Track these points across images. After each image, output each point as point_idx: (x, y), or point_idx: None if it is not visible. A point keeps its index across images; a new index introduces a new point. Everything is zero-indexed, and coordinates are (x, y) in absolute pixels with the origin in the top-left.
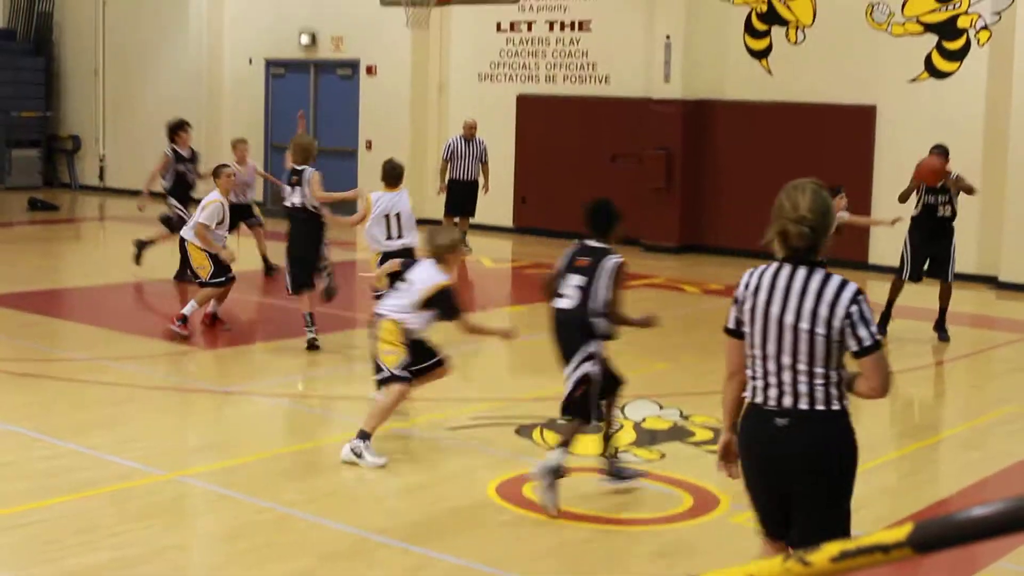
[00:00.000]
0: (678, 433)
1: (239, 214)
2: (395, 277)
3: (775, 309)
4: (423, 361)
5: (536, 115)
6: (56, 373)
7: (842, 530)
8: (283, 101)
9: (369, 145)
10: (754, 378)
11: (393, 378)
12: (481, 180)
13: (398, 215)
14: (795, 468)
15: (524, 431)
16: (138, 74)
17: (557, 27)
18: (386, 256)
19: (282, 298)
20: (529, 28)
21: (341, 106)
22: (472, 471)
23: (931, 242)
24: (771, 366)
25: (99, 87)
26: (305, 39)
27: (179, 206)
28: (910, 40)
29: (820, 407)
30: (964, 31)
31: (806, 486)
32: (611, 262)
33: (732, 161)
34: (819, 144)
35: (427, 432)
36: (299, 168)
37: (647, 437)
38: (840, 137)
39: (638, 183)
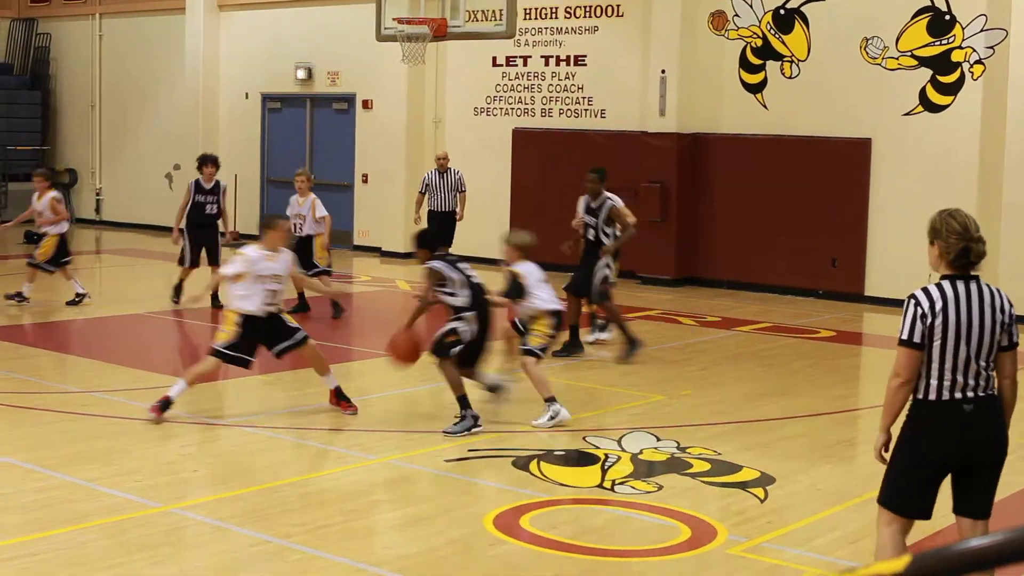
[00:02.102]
0: (675, 465)
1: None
2: None
3: (974, 319)
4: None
5: (532, 149)
6: (51, 405)
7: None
8: (279, 135)
9: (365, 179)
10: (941, 379)
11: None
12: (458, 210)
13: None
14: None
15: (521, 463)
16: (134, 108)
17: (553, 61)
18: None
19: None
20: (525, 63)
21: (337, 140)
22: (469, 503)
23: None
24: (966, 367)
25: (96, 121)
26: (301, 73)
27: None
28: (904, 74)
29: (993, 392)
30: (958, 65)
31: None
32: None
33: (727, 194)
34: (814, 177)
35: (423, 464)
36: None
37: (644, 469)
38: (835, 170)
39: (634, 216)
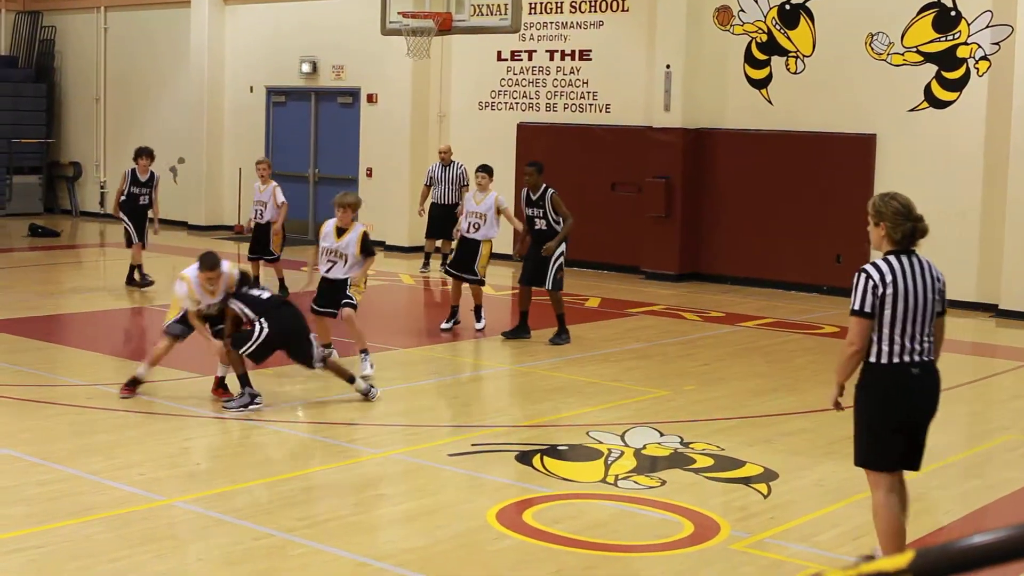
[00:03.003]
0: (679, 460)
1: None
2: None
3: (919, 290)
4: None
5: (536, 143)
6: (56, 398)
7: None
8: (284, 129)
9: (369, 173)
10: (892, 344)
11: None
12: (461, 203)
13: None
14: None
15: (524, 458)
16: (139, 101)
17: (558, 56)
18: None
19: None
20: (530, 57)
21: (342, 134)
22: (472, 498)
23: None
24: (912, 333)
25: (100, 114)
26: (306, 67)
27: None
28: (910, 70)
29: (931, 358)
30: (964, 61)
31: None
32: None
33: (732, 189)
34: (819, 173)
35: (427, 459)
36: None
37: (647, 464)
38: (840, 166)
39: (638, 211)
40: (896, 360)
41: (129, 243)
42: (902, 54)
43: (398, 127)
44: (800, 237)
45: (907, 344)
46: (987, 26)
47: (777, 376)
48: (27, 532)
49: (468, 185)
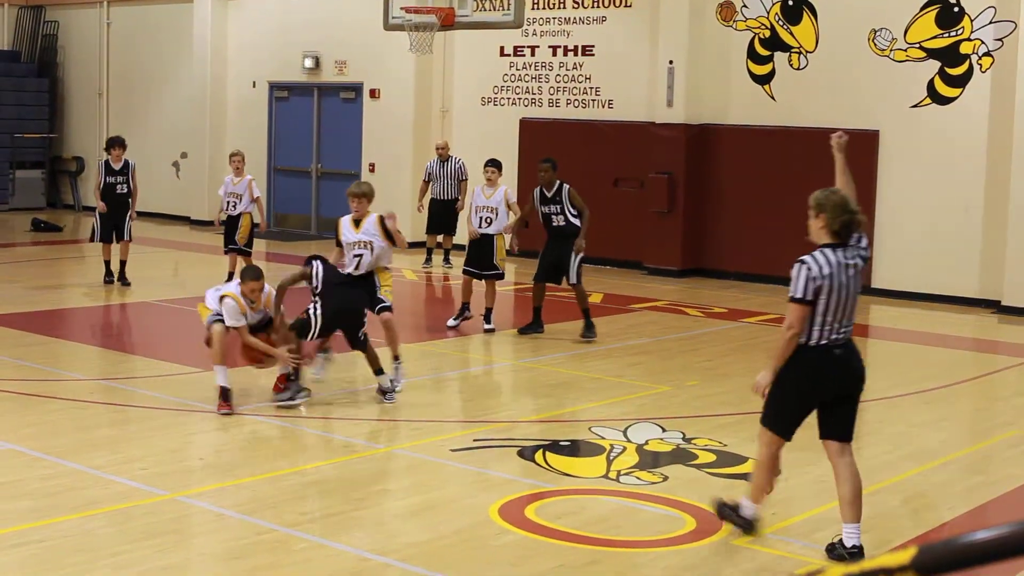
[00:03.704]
0: (681, 456)
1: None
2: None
3: (849, 280)
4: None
5: (539, 139)
6: (57, 393)
7: None
8: (287, 124)
9: (372, 168)
10: (822, 328)
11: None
12: (460, 198)
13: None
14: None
15: (526, 453)
16: (142, 96)
17: (560, 52)
18: None
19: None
20: (533, 53)
21: (344, 129)
22: (474, 493)
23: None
24: (839, 319)
25: (103, 109)
26: (309, 62)
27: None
28: (913, 66)
29: (851, 337)
30: (967, 57)
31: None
32: None
33: (735, 185)
34: (821, 169)
35: (429, 454)
36: None
37: (650, 460)
38: None
39: (641, 207)
40: (824, 342)
41: (93, 238)
42: (905, 50)
43: (401, 122)
44: (803, 233)
45: (833, 328)
46: (990, 22)
47: None
48: (29, 527)
49: (466, 180)
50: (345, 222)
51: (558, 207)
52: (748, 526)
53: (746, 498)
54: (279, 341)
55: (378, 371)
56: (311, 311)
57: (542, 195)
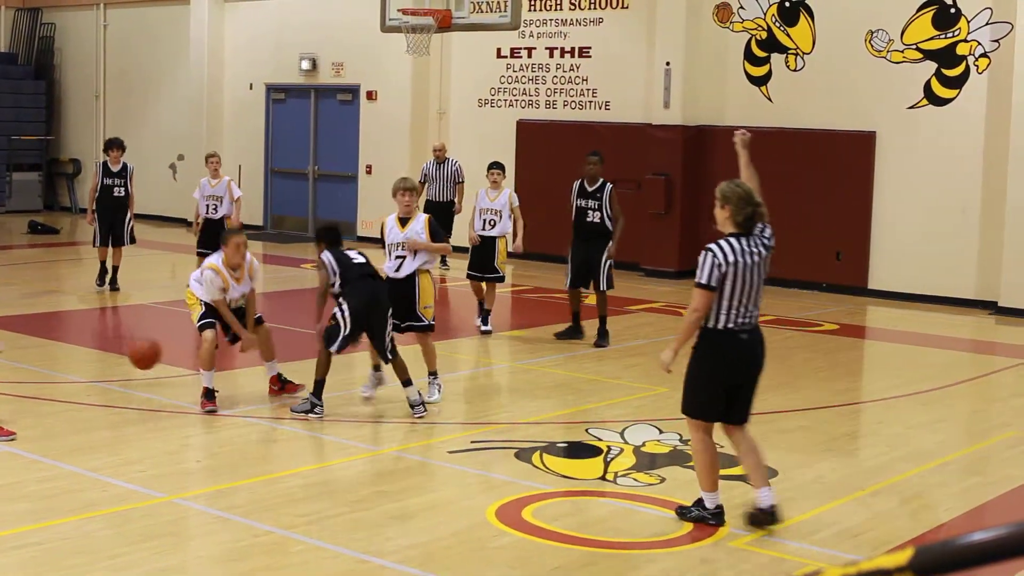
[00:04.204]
0: (678, 457)
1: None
2: None
3: (753, 268)
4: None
5: (536, 140)
6: (55, 395)
7: None
8: (283, 126)
9: (369, 170)
10: (729, 313)
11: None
12: (457, 201)
13: None
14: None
15: (523, 455)
16: (139, 98)
17: (557, 53)
18: None
19: (286, 321)
20: (529, 54)
21: (341, 131)
22: (472, 495)
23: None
24: (744, 304)
25: (100, 111)
26: (306, 64)
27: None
28: (909, 67)
29: (757, 324)
30: (963, 58)
31: (756, 376)
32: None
33: None
34: (819, 170)
35: (426, 456)
36: None
37: (647, 461)
38: (840, 163)
39: (638, 208)
40: (730, 326)
41: (95, 242)
42: (902, 51)
43: (398, 124)
44: (799, 234)
45: (739, 313)
46: (987, 23)
47: (776, 373)
48: (27, 529)
49: (463, 183)
50: (391, 221)
51: (596, 203)
52: (716, 517)
53: (702, 490)
54: (254, 345)
55: (406, 382)
56: (337, 314)
57: (582, 188)
